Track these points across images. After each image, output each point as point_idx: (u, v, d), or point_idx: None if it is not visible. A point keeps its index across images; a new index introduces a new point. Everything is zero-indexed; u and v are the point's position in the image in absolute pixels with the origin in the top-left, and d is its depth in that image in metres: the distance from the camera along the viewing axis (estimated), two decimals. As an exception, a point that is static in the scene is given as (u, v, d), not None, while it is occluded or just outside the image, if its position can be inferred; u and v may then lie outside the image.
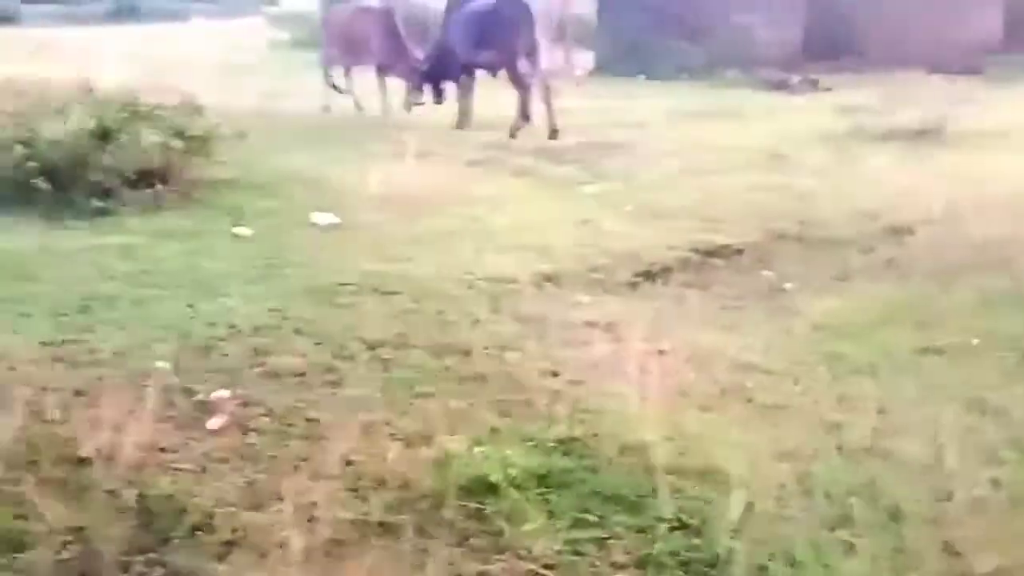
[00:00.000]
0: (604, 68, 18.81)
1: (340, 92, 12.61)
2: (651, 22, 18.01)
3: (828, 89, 15.18)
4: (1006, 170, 8.36)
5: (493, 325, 4.66)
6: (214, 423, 3.49)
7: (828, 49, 18.09)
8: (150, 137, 7.14)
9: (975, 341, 4.46)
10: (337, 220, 6.57)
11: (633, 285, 5.47)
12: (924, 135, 10.18)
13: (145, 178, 6.95)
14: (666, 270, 5.71)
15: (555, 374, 4.07)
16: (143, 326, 4.48)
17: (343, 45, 12.56)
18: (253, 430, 3.47)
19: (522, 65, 10.63)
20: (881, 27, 18.46)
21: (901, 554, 2.78)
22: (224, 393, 3.73)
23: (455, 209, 7.00)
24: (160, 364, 3.94)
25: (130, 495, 2.94)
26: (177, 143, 7.19)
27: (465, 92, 11.57)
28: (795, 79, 16.01)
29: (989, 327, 4.64)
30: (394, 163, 8.06)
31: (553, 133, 10.48)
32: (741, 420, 3.64)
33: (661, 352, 4.28)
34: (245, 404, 3.67)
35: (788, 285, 5.40)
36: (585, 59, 19.15)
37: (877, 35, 18.31)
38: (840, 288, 5.39)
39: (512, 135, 10.55)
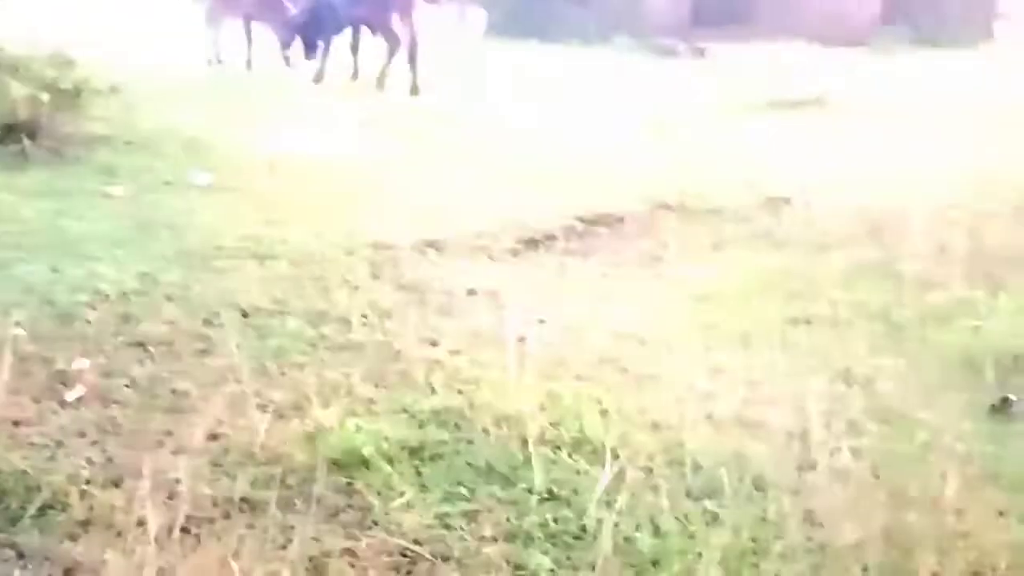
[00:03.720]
0: (496, 29, 18.67)
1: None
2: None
3: (715, 58, 15.36)
4: (883, 140, 8.61)
5: (373, 293, 4.59)
6: (72, 394, 3.35)
7: (716, 17, 18.32)
8: (17, 90, 6.80)
9: (844, 312, 4.58)
10: (215, 180, 6.37)
11: (516, 252, 5.45)
12: (805, 105, 10.42)
13: (11, 133, 6.64)
14: (549, 237, 5.70)
15: (434, 344, 4.03)
16: (3, 290, 4.28)
17: None
18: (115, 402, 3.35)
19: (396, 22, 10.71)
20: (769, -2, 18.79)
21: (764, 524, 2.84)
22: (85, 363, 3.58)
23: (338, 171, 6.87)
24: (18, 331, 3.75)
25: (-22, 472, 2.81)
26: (46, 96, 6.86)
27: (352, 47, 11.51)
28: (682, 47, 16.18)
29: (858, 298, 4.78)
30: (277, 122, 7.86)
31: (414, 90, 10.74)
32: (615, 390, 3.67)
33: (541, 321, 4.28)
34: (107, 374, 3.53)
35: (666, 254, 5.45)
36: (478, 19, 19.02)
37: (764, 5, 18.62)
38: (716, 258, 5.49)
39: (379, 85, 10.71)
